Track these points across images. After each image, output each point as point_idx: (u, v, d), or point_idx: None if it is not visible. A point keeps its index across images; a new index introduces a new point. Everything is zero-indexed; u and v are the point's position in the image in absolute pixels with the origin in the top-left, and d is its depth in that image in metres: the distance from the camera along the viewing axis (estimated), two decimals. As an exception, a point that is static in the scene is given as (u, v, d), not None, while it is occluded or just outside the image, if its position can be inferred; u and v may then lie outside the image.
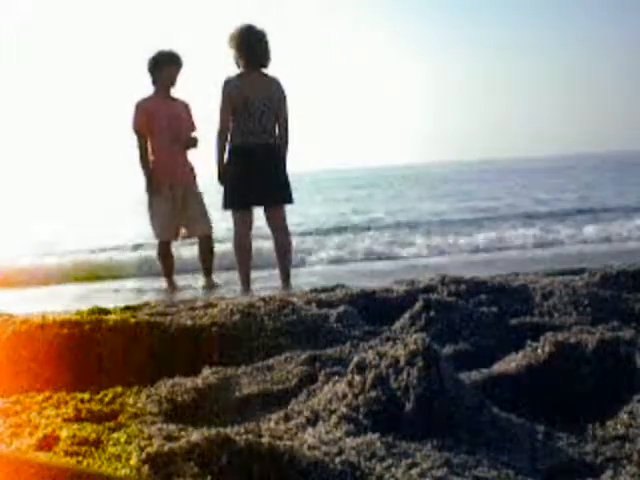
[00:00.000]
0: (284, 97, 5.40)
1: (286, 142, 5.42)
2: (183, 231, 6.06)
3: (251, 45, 5.30)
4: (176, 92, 6.08)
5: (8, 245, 10.86)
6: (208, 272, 6.06)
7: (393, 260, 8.02)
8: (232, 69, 5.43)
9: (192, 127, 6.12)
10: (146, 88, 6.03)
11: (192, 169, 6.10)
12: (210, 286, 5.91)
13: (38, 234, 13.02)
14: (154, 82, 5.97)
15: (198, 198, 6.04)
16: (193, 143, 6.05)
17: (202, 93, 6.18)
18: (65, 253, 9.48)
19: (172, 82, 5.98)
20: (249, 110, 5.23)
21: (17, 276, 7.32)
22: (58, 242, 11.36)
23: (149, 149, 5.92)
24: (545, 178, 30.75)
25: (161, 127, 5.87)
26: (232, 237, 5.47)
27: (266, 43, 5.36)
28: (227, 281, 6.07)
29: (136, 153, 5.92)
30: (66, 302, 5.27)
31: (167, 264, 6.09)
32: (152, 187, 5.89)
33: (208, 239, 6.04)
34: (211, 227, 6.06)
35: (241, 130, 5.25)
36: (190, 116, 6.12)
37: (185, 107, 6.11)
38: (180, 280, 6.25)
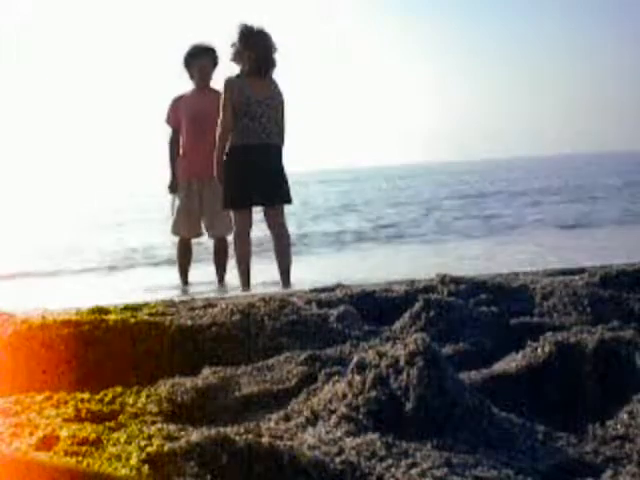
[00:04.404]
0: (282, 98, 5.43)
1: (282, 143, 5.47)
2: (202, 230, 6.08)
3: (262, 51, 5.31)
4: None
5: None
6: (222, 275, 6.07)
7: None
8: (229, 62, 5.44)
9: None
10: (151, 88, 6.09)
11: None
12: (221, 287, 5.94)
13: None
14: (190, 77, 6.01)
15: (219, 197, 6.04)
16: None
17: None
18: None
19: (204, 75, 5.97)
20: (250, 110, 5.24)
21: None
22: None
23: (179, 144, 6.00)
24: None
25: (189, 123, 5.89)
26: (232, 237, 5.49)
27: (275, 51, 5.38)
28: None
29: (166, 147, 6.04)
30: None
31: (183, 261, 6.09)
32: (175, 183, 5.95)
33: (224, 241, 6.03)
34: (230, 229, 6.01)
35: (241, 130, 5.26)
36: None
37: None
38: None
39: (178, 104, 5.99)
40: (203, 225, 6.06)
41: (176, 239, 6.19)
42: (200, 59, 5.96)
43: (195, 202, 5.94)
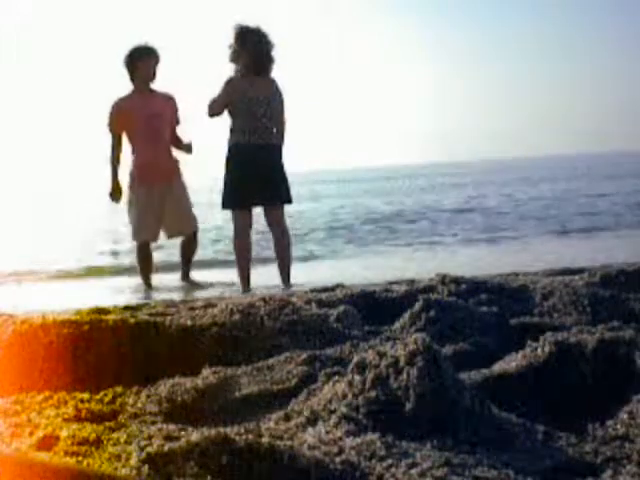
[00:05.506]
0: (282, 98, 5.44)
1: (283, 142, 5.47)
2: (162, 234, 5.94)
3: (259, 50, 5.32)
4: (169, 86, 5.96)
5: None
6: (186, 272, 5.97)
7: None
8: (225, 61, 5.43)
9: (176, 121, 5.95)
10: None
11: (176, 164, 5.94)
12: (191, 284, 5.85)
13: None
14: (132, 79, 5.80)
15: (180, 196, 5.88)
16: (188, 149, 5.94)
17: (200, 92, 6.12)
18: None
19: (150, 76, 5.80)
20: (251, 110, 5.24)
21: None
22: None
23: (129, 149, 5.82)
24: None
25: (138, 126, 5.72)
26: (232, 237, 5.49)
27: (273, 48, 5.38)
28: (219, 280, 6.03)
29: (108, 152, 5.81)
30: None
31: (145, 265, 5.92)
32: (117, 191, 5.79)
33: (190, 238, 5.93)
34: (194, 226, 5.92)
35: (243, 130, 5.26)
36: (174, 110, 5.94)
37: (168, 101, 5.92)
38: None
39: (121, 108, 5.77)
40: (166, 227, 5.89)
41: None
42: (144, 60, 5.77)
43: (150, 207, 5.77)
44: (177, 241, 6.11)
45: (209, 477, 1.18)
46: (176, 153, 6.01)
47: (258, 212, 5.48)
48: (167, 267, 6.62)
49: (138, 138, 5.78)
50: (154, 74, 5.83)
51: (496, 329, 2.37)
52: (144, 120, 5.71)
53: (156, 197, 5.79)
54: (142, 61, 5.76)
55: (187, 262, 6.01)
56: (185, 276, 6.02)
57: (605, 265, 4.24)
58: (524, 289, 2.86)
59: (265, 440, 1.26)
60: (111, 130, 5.79)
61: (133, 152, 5.83)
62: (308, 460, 1.24)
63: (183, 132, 6.04)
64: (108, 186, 5.87)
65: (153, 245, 6.02)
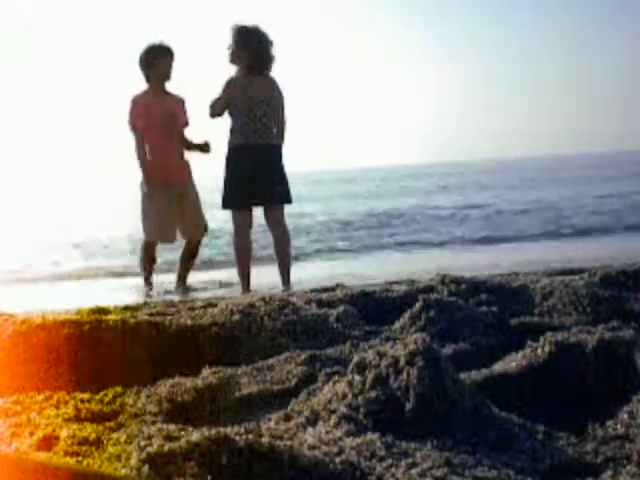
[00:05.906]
0: (282, 97, 5.44)
1: (283, 142, 5.47)
2: (178, 234, 5.88)
3: (259, 49, 5.32)
4: (171, 87, 5.87)
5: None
6: (184, 276, 5.91)
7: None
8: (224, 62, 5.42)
9: (186, 123, 5.92)
10: (142, 85, 5.88)
11: (188, 166, 5.93)
12: (185, 289, 5.78)
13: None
14: (147, 78, 5.75)
15: (194, 198, 5.87)
16: (203, 149, 5.92)
17: (197, 92, 6.09)
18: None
19: (167, 75, 5.76)
20: (252, 110, 5.24)
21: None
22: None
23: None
24: None
25: (155, 124, 5.67)
26: (232, 237, 5.48)
27: (272, 47, 5.38)
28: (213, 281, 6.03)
29: (133, 150, 5.74)
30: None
31: (147, 264, 5.85)
32: (147, 186, 5.71)
33: (197, 243, 5.90)
34: (205, 231, 5.91)
35: (243, 130, 5.26)
36: (185, 112, 5.92)
37: (179, 102, 5.90)
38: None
39: (139, 105, 5.70)
40: (180, 230, 5.85)
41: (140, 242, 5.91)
42: (160, 59, 5.71)
43: (165, 207, 5.71)
44: (177, 241, 6.09)
45: (209, 477, 1.18)
46: (187, 155, 5.99)
47: (259, 214, 5.48)
48: (167, 267, 6.61)
49: (153, 137, 5.72)
50: (170, 73, 5.80)
51: (496, 329, 2.37)
52: (160, 119, 5.69)
53: (169, 198, 5.76)
54: (159, 60, 5.71)
55: (187, 263, 5.98)
56: (181, 278, 5.95)
57: (605, 265, 4.24)
58: (524, 289, 2.86)
59: (265, 440, 1.26)
60: (133, 127, 5.71)
61: (148, 150, 5.76)
62: (308, 460, 1.24)
63: (195, 133, 6.04)
64: (142, 181, 5.73)
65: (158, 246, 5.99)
